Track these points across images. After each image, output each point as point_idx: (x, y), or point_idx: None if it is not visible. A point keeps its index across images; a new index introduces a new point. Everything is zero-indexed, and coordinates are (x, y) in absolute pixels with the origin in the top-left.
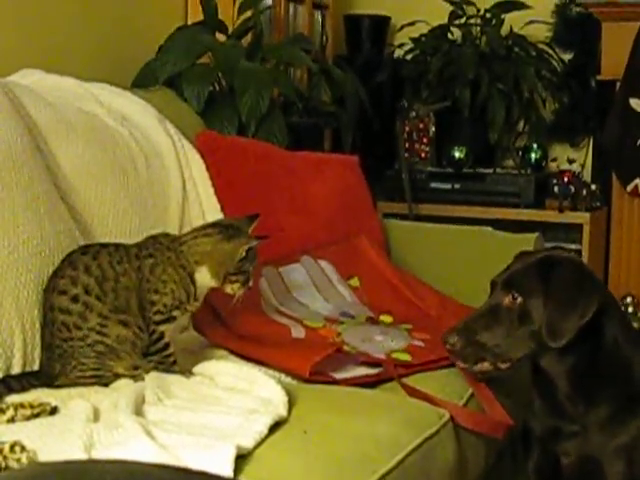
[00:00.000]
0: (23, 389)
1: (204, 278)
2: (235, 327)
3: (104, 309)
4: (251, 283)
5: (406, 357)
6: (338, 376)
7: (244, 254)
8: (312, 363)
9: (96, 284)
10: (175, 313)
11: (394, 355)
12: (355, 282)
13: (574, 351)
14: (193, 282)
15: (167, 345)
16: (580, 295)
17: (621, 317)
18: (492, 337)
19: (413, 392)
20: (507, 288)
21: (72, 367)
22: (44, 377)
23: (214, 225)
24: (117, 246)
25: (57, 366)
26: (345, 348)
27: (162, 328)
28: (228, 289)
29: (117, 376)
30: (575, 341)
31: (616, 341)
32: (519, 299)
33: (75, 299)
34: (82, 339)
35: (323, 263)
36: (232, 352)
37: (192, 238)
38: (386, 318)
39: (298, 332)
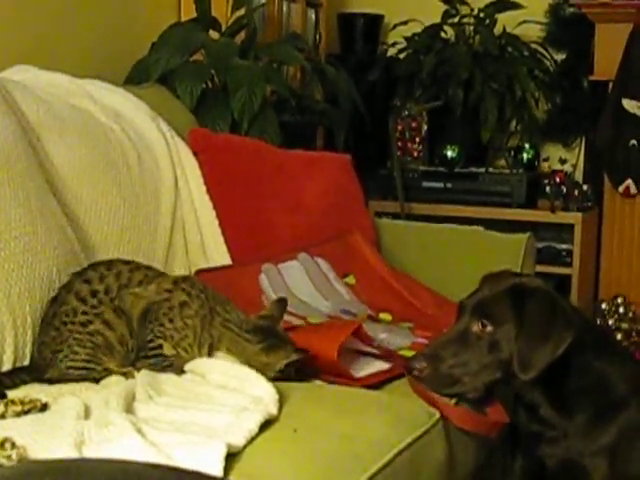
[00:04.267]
0: (14, 385)
1: (228, 359)
2: None
3: (118, 308)
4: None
5: (412, 354)
6: (357, 374)
7: (284, 368)
8: (338, 343)
9: (117, 289)
10: (181, 352)
11: (400, 352)
12: (351, 280)
13: (546, 378)
14: (210, 353)
15: (160, 354)
16: (553, 329)
17: (596, 338)
18: (460, 365)
19: (421, 392)
20: (477, 315)
21: (64, 355)
22: (34, 369)
23: (256, 330)
24: (160, 274)
25: (47, 353)
26: (365, 328)
27: (160, 342)
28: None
29: (106, 371)
30: (546, 370)
31: (591, 360)
32: (489, 327)
33: (94, 294)
34: (84, 324)
35: (320, 260)
36: None
37: (236, 334)
38: (386, 316)
39: None
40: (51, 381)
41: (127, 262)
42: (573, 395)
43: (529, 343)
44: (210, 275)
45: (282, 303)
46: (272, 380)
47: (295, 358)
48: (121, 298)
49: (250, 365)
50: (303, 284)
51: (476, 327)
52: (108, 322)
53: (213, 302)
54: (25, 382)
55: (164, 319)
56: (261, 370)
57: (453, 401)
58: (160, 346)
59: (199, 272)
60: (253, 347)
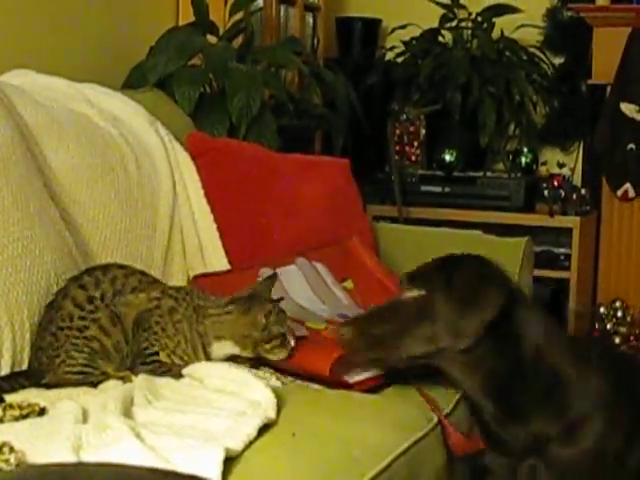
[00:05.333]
0: (12, 389)
1: (224, 349)
2: None
3: (114, 315)
4: (292, 342)
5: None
6: (351, 380)
7: (264, 320)
8: (332, 361)
9: (112, 295)
10: (177, 360)
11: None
12: (349, 284)
13: (487, 361)
14: (205, 352)
15: (157, 361)
16: (481, 290)
17: (545, 322)
18: (386, 330)
19: (424, 395)
20: (409, 282)
21: (60, 361)
22: (32, 374)
23: (234, 301)
24: (145, 275)
25: (44, 358)
26: None
27: (156, 349)
28: (270, 356)
29: (104, 375)
30: (486, 348)
31: (540, 350)
32: (419, 293)
33: (90, 300)
34: (81, 330)
35: (318, 265)
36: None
37: (217, 315)
38: None
39: (301, 333)
40: (49, 386)
41: (123, 267)
42: (526, 402)
43: (458, 306)
44: (207, 280)
45: (270, 279)
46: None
47: (270, 307)
48: (114, 306)
49: (242, 336)
50: (301, 289)
51: (407, 294)
52: (104, 328)
53: (196, 299)
54: (23, 386)
55: (156, 327)
56: (252, 335)
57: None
58: (157, 353)
59: (197, 277)
60: (233, 316)
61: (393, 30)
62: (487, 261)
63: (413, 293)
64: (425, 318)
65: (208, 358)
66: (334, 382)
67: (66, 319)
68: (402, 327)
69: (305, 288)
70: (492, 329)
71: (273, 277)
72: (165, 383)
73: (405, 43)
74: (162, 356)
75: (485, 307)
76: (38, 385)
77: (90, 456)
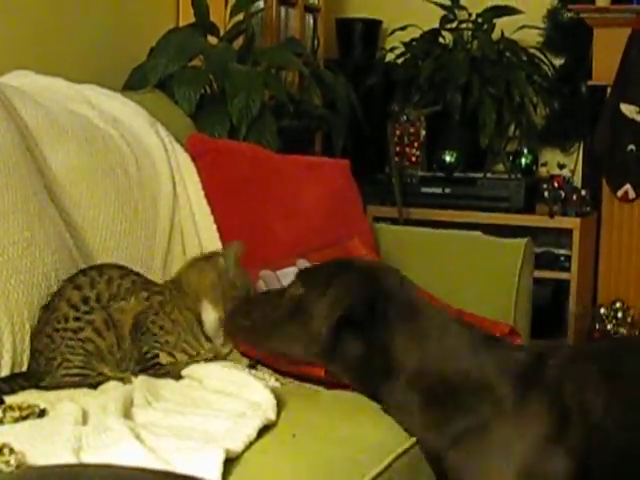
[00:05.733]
0: (12, 391)
1: (209, 315)
2: None
3: (108, 318)
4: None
5: None
6: None
7: (223, 262)
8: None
9: (108, 297)
10: (177, 354)
11: None
12: None
13: (358, 364)
14: (201, 323)
15: (158, 364)
16: (324, 297)
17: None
18: (260, 317)
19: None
20: (298, 277)
21: (58, 364)
22: (31, 376)
23: (199, 258)
24: (139, 276)
25: (42, 360)
26: None
27: (157, 352)
28: None
29: (102, 375)
30: (354, 354)
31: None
32: (300, 290)
33: (85, 301)
34: (76, 331)
35: None
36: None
37: (184, 286)
38: None
39: None
40: (49, 388)
41: (119, 267)
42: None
43: (312, 314)
44: None
45: (234, 247)
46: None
47: (225, 250)
48: (110, 312)
49: (211, 287)
50: None
51: (292, 289)
52: (98, 330)
53: (171, 285)
54: (23, 388)
55: (154, 328)
56: (217, 284)
57: None
58: (157, 355)
59: None
60: (198, 267)
61: (393, 31)
62: (378, 268)
63: (296, 289)
64: (302, 319)
65: (207, 337)
66: (330, 383)
67: (61, 320)
68: (275, 321)
69: None
70: (360, 335)
71: (236, 246)
72: (165, 384)
73: (405, 44)
74: (162, 357)
75: (328, 314)
76: (38, 387)
77: (90, 457)
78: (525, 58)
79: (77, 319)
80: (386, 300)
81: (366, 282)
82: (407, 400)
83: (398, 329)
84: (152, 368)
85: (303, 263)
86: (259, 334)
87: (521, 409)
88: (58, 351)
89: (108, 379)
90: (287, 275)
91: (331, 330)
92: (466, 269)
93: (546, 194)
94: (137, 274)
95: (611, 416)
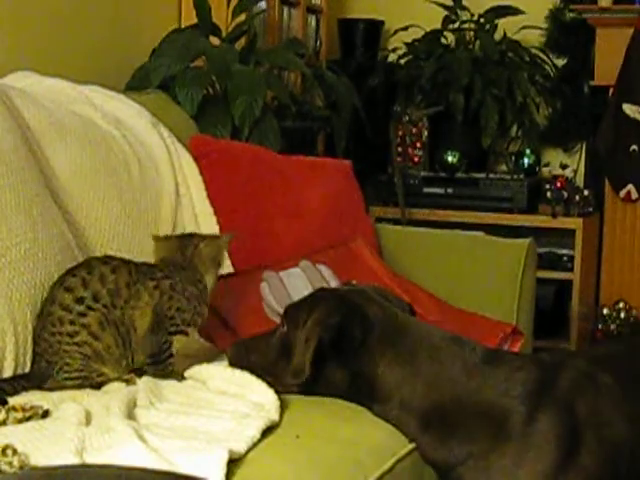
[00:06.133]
0: (15, 392)
1: (211, 284)
2: (239, 332)
3: (106, 318)
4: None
5: None
6: None
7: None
8: None
9: (108, 295)
10: (189, 329)
11: None
12: None
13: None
14: (206, 294)
15: (171, 354)
16: (299, 334)
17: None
18: (255, 361)
19: None
20: (283, 315)
21: (58, 368)
22: (34, 378)
23: (170, 236)
24: (137, 266)
25: (43, 363)
26: None
27: (172, 338)
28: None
29: (103, 375)
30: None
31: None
32: (284, 328)
33: (80, 300)
34: (71, 335)
35: (322, 267)
36: None
37: (195, 248)
38: None
39: None
40: (52, 390)
41: (105, 262)
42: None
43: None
44: None
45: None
46: None
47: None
48: (126, 313)
49: (212, 255)
50: (305, 291)
51: (279, 328)
52: (94, 334)
53: (168, 265)
54: (26, 389)
55: (171, 311)
56: (217, 254)
57: None
58: (171, 343)
59: None
60: (207, 240)
61: (395, 32)
62: (358, 296)
63: (281, 327)
64: (282, 356)
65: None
66: None
67: (56, 324)
68: (269, 360)
69: (308, 290)
70: (344, 364)
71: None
72: (168, 385)
73: (407, 45)
74: (176, 342)
75: (305, 347)
76: (40, 388)
77: (93, 458)
78: (527, 58)
79: (72, 322)
80: (366, 327)
81: (342, 311)
82: (403, 422)
83: (382, 355)
84: (163, 362)
85: (306, 264)
86: (258, 372)
87: (528, 432)
88: (58, 355)
89: (110, 379)
90: (290, 276)
91: (310, 362)
92: (469, 269)
93: (549, 194)
94: (126, 262)
95: (632, 429)
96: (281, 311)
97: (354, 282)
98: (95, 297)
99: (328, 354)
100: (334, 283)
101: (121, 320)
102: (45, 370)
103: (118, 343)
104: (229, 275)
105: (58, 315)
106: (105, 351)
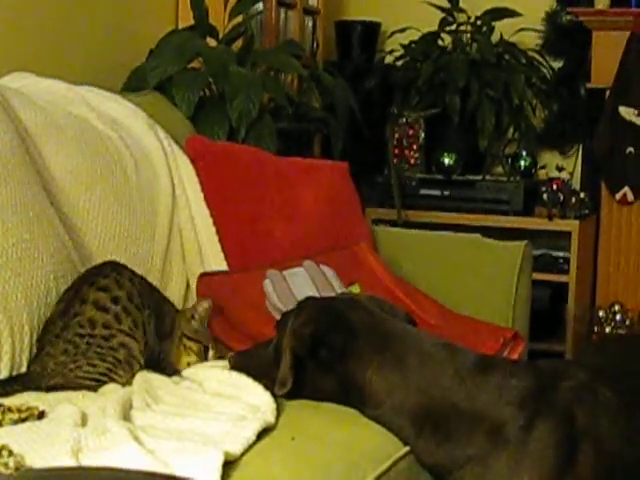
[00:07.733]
0: (11, 393)
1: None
2: (241, 328)
3: (138, 319)
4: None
5: None
6: None
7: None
8: None
9: (138, 296)
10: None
11: None
12: (356, 289)
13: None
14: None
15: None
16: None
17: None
18: (255, 369)
19: None
20: (275, 324)
21: (75, 366)
22: (31, 379)
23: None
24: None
25: (51, 364)
26: None
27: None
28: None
29: (120, 379)
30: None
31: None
32: (276, 336)
33: (115, 300)
34: (107, 339)
35: (325, 268)
36: None
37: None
38: None
39: None
40: (50, 388)
41: (112, 267)
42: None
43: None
44: (214, 279)
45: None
46: None
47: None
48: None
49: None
50: (308, 291)
51: (274, 337)
52: (132, 335)
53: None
54: (22, 390)
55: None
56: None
57: None
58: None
59: (203, 275)
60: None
61: (392, 33)
62: (344, 303)
63: (275, 335)
64: (276, 363)
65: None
66: None
67: (86, 326)
68: (264, 371)
69: (311, 290)
70: (331, 370)
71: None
72: (164, 386)
73: (404, 47)
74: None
75: (285, 354)
76: (37, 388)
77: (89, 460)
78: (524, 61)
79: (107, 327)
80: (348, 334)
81: (321, 320)
82: (396, 426)
83: (370, 361)
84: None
85: (310, 264)
86: (260, 377)
87: (526, 438)
88: (83, 355)
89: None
90: (294, 275)
91: (290, 367)
92: (465, 271)
93: (545, 197)
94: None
95: (629, 443)
96: (283, 308)
97: (356, 285)
98: (129, 297)
99: (308, 363)
100: (337, 284)
101: (148, 321)
102: (50, 371)
103: (146, 344)
104: (232, 272)
105: (90, 315)
106: (139, 353)
